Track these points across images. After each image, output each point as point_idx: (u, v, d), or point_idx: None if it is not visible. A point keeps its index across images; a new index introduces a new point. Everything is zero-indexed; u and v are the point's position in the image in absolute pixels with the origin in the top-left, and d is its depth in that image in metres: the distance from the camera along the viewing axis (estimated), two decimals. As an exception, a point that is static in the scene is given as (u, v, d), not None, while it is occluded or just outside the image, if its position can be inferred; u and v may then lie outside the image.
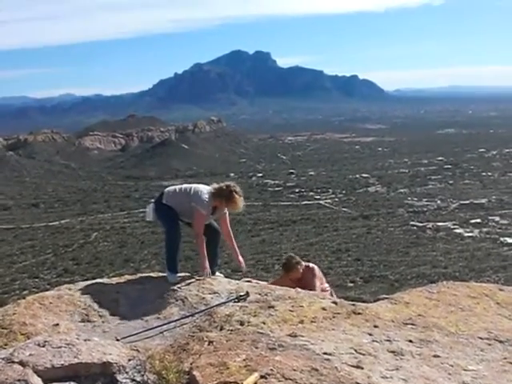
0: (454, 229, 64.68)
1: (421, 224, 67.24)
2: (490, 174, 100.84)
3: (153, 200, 6.07)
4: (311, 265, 6.22)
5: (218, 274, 5.92)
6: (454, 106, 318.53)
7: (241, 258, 5.97)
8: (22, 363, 2.66)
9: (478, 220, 67.88)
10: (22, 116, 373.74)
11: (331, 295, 6.16)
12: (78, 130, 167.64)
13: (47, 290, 6.46)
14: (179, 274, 5.77)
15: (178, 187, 5.94)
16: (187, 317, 4.63)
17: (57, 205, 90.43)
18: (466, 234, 62.26)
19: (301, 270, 6.12)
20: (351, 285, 46.32)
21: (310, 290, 5.82)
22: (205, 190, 5.68)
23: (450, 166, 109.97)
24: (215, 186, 5.69)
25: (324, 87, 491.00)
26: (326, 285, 6.26)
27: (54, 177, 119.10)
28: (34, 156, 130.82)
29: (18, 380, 2.52)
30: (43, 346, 2.83)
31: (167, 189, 5.99)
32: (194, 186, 5.85)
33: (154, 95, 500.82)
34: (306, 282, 5.99)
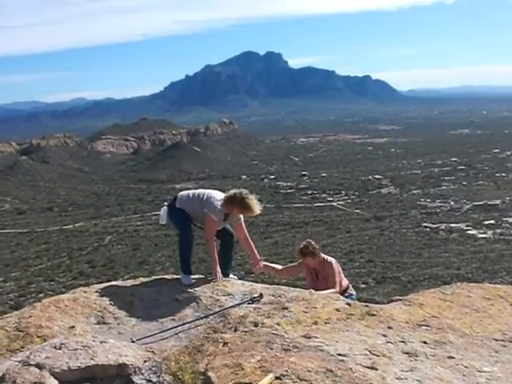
0: (468, 230, 64.18)
1: (434, 225, 66.81)
2: (504, 174, 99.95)
3: (166, 203, 6.09)
4: (329, 258, 6.07)
5: (231, 275, 5.93)
6: (467, 107, 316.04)
7: (258, 260, 5.96)
8: (38, 366, 2.69)
9: (492, 221, 67.29)
10: (34, 121, 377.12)
11: (347, 289, 6.11)
12: (90, 133, 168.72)
13: (63, 292, 6.51)
14: (193, 276, 5.80)
15: (191, 192, 5.95)
16: (201, 318, 4.64)
17: (71, 208, 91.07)
18: (480, 236, 61.74)
19: (316, 260, 5.99)
20: (364, 286, 46.11)
21: (327, 283, 5.81)
22: (218, 196, 5.69)
23: (463, 167, 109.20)
24: (228, 193, 5.67)
25: (336, 88, 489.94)
26: (346, 281, 6.13)
27: (68, 181, 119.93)
28: (47, 160, 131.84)
29: (35, 383, 2.55)
30: (59, 349, 2.85)
31: (181, 193, 6.00)
32: (207, 191, 5.85)
33: (165, 98, 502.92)
34: (322, 274, 5.94)
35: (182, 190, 6.20)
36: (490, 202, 76.62)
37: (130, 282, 5.78)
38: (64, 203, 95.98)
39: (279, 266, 6.39)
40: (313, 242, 6.10)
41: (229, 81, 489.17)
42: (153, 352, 3.03)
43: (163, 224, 6.27)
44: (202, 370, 2.99)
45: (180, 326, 4.51)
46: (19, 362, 2.77)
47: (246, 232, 5.88)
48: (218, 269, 5.56)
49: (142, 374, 2.82)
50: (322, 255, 6.08)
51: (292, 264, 6.38)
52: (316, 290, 5.95)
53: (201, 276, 5.88)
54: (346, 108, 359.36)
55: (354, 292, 6.23)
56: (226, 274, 5.74)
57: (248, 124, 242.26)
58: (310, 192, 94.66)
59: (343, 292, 6.02)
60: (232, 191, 5.67)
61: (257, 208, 5.62)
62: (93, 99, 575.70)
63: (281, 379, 2.74)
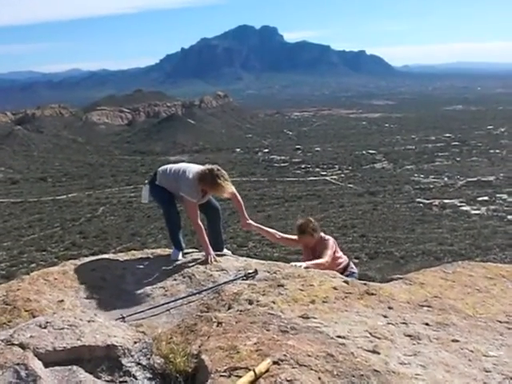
0: (461, 206, 64.45)
1: (427, 201, 67.04)
2: (497, 151, 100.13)
3: (147, 181, 5.87)
4: (327, 237, 5.92)
5: (225, 250, 5.80)
6: (462, 83, 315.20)
7: (246, 219, 5.73)
8: (22, 346, 2.54)
9: (485, 198, 67.56)
10: (29, 91, 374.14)
11: (347, 267, 5.98)
12: (85, 104, 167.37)
13: (54, 263, 6.40)
14: (186, 251, 5.67)
15: (169, 167, 5.68)
16: (194, 294, 4.52)
17: (64, 179, 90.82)
18: (473, 212, 62.03)
19: (314, 239, 5.84)
20: (356, 261, 46.18)
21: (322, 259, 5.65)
22: (191, 174, 5.39)
23: (457, 143, 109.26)
24: (199, 169, 5.38)
25: (331, 62, 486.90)
26: (344, 258, 5.99)
27: (62, 151, 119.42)
28: (42, 130, 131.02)
29: (18, 364, 2.40)
30: (45, 328, 2.70)
31: (160, 168, 5.75)
32: (182, 168, 5.55)
33: (160, 70, 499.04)
34: (319, 252, 5.79)
35: (176, 162, 6.00)
36: (483, 179, 76.82)
37: (121, 256, 5.64)
38: (58, 174, 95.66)
39: (274, 231, 6.18)
40: (312, 220, 5.94)
41: (224, 54, 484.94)
42: (143, 332, 2.89)
43: (146, 203, 6.06)
44: (195, 353, 2.84)
45: (172, 301, 4.39)
46: (2, 341, 2.62)
47: (234, 189, 5.54)
48: (211, 250, 5.35)
49: (132, 356, 2.67)
50: (322, 234, 5.94)
51: (291, 236, 6.18)
52: (311, 262, 5.87)
53: (194, 250, 5.74)
54: (341, 83, 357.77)
55: (355, 270, 6.10)
56: (219, 251, 5.61)
57: (243, 97, 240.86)
58: (303, 166, 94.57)
59: (343, 270, 5.90)
60: (203, 168, 5.38)
61: (228, 188, 5.33)
62: (88, 70, 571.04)
63: (279, 364, 2.59)
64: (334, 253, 5.83)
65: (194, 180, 5.35)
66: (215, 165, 5.45)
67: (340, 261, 5.91)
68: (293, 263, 5.36)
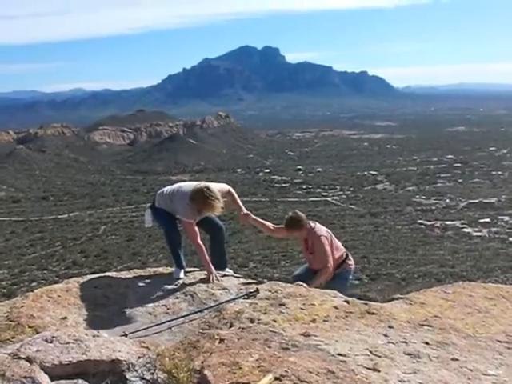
0: (463, 228, 64.28)
1: (429, 222, 66.90)
2: (500, 172, 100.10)
3: (148, 205, 5.94)
4: (317, 230, 5.82)
5: (227, 270, 5.84)
6: (464, 104, 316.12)
7: (244, 213, 5.79)
8: (28, 359, 2.59)
9: (487, 219, 67.40)
10: (32, 110, 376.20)
11: (347, 258, 6.01)
12: (88, 124, 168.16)
13: (56, 281, 6.42)
14: (188, 269, 5.71)
15: (165, 189, 5.77)
16: (196, 312, 4.55)
17: (66, 198, 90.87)
18: (475, 234, 61.85)
19: (304, 231, 5.81)
20: (357, 282, 46.08)
21: (318, 255, 5.70)
22: (183, 195, 5.46)
23: (459, 165, 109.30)
24: (191, 189, 5.43)
25: (333, 83, 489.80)
26: (341, 249, 5.98)
27: (64, 170, 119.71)
28: (44, 150, 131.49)
29: (25, 377, 2.45)
30: (51, 342, 2.75)
31: (158, 192, 5.86)
32: (176, 188, 5.63)
33: (162, 90, 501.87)
34: (313, 246, 5.78)
35: (177, 182, 6.06)
36: (485, 200, 76.72)
37: (124, 274, 5.68)
38: (59, 192, 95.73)
39: (269, 224, 6.18)
40: (299, 213, 5.90)
41: (226, 74, 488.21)
42: (147, 348, 2.92)
43: (150, 227, 6.14)
44: (198, 368, 2.88)
45: (174, 319, 4.42)
46: (9, 354, 2.67)
47: (231, 188, 5.74)
48: (213, 269, 5.39)
49: (136, 370, 2.72)
50: (310, 224, 5.88)
51: (280, 227, 6.18)
52: (313, 264, 5.89)
53: (196, 269, 5.78)
54: (343, 103, 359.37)
55: (352, 262, 6.11)
56: (221, 270, 5.65)
57: (244, 118, 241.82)
58: (304, 187, 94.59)
59: (340, 264, 5.91)
60: (193, 188, 5.41)
61: (218, 206, 5.31)
62: (91, 90, 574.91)
63: (280, 380, 2.63)
64: (331, 247, 5.79)
65: (186, 200, 5.40)
66: (203, 184, 5.46)
67: (338, 254, 5.91)
68: (297, 283, 5.38)
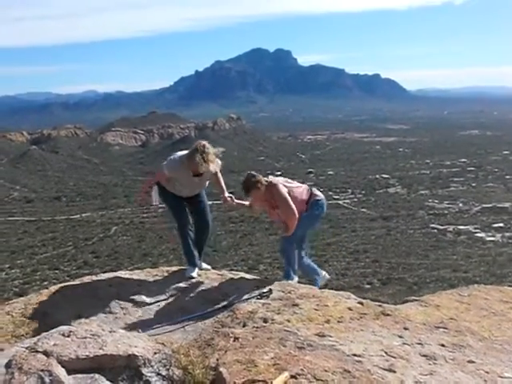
0: (476, 232, 63.73)
1: (441, 227, 66.42)
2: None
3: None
4: (274, 181, 5.61)
5: (204, 265, 5.81)
6: (478, 107, 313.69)
7: (226, 196, 5.62)
8: (46, 353, 2.60)
9: (501, 224, 66.76)
10: (46, 111, 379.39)
11: (311, 196, 5.84)
12: (100, 125, 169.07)
13: (67, 281, 6.44)
14: (204, 266, 5.73)
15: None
16: (209, 312, 4.55)
17: (78, 199, 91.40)
18: (488, 239, 61.29)
19: (263, 190, 5.52)
20: (368, 286, 45.88)
21: (280, 206, 5.49)
22: (182, 156, 5.46)
23: (473, 168, 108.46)
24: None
25: (345, 86, 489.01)
26: (301, 187, 5.83)
27: (76, 171, 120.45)
28: (57, 150, 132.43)
29: (42, 370, 2.46)
30: (68, 336, 2.76)
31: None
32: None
33: (174, 92, 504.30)
34: (274, 200, 5.56)
35: None
36: (499, 205, 76.02)
37: (137, 273, 5.70)
38: (72, 193, 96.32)
39: (247, 203, 6.01)
40: (252, 173, 5.67)
41: (238, 77, 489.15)
42: (163, 344, 2.93)
43: (155, 205, 5.90)
44: (213, 365, 2.89)
45: (187, 319, 4.42)
46: (26, 348, 2.69)
47: (213, 170, 5.45)
48: (226, 194, 5.53)
49: (152, 366, 2.72)
50: (267, 180, 5.63)
51: (245, 202, 6.06)
52: (283, 220, 5.60)
53: (208, 267, 5.78)
54: (355, 106, 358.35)
55: (320, 196, 6.00)
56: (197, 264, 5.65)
57: (256, 120, 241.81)
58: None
59: (307, 202, 5.78)
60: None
61: (201, 168, 5.21)
62: (104, 92, 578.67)
63: (296, 378, 2.63)
64: (290, 193, 5.57)
65: (178, 157, 5.49)
66: (205, 142, 5.37)
67: (300, 197, 5.71)
68: (283, 281, 5.32)
